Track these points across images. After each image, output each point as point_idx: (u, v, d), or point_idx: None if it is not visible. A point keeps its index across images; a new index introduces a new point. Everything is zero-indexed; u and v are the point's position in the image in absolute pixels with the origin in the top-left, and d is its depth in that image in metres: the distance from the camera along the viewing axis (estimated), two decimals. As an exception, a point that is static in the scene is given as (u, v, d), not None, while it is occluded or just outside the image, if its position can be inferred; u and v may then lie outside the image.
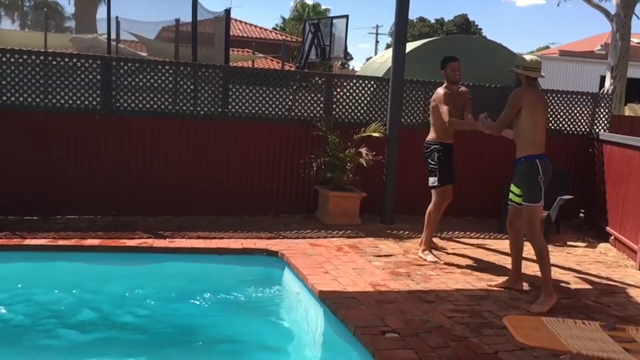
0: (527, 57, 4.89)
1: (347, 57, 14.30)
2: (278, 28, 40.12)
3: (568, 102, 8.28)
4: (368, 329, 3.90)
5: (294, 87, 7.49)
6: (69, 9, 26.74)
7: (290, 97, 7.42)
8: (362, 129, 7.20)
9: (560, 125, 8.28)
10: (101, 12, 22.72)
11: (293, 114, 7.37)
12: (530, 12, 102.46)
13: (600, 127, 8.31)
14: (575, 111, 8.33)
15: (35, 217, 6.43)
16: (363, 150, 7.01)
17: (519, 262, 5.09)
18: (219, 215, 6.96)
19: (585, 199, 8.11)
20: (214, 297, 4.95)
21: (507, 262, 5.92)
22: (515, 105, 4.75)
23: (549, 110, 8.28)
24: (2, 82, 6.38)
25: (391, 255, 5.85)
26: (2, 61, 6.39)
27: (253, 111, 7.18)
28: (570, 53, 26.66)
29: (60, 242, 5.55)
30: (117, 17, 11.72)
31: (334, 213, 6.99)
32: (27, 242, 5.52)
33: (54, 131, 6.55)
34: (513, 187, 4.94)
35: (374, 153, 7.02)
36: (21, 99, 6.42)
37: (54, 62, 6.53)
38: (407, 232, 6.86)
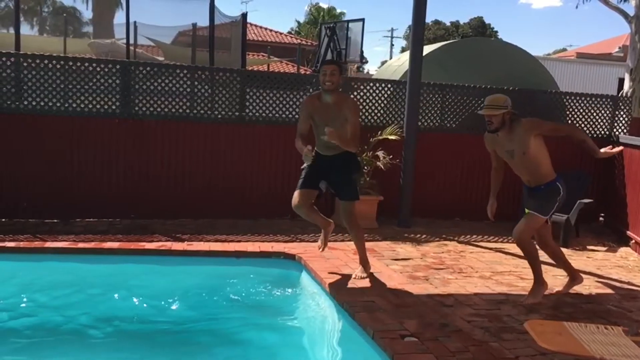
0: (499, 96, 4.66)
1: (363, 60, 14.29)
2: (293, 32, 40.21)
3: (586, 105, 8.20)
4: (387, 332, 3.88)
5: (311, 90, 7.49)
6: (87, 14, 27.03)
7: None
8: (379, 132, 7.19)
9: (579, 128, 8.20)
10: (118, 18, 23.00)
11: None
12: (547, 14, 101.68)
13: (620, 130, 8.22)
14: (594, 114, 8.25)
15: (55, 220, 6.51)
16: (380, 154, 7.00)
17: (563, 261, 4.98)
18: (236, 218, 6.98)
19: (605, 203, 8.01)
20: (232, 300, 4.95)
21: (525, 265, 5.84)
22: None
23: (568, 112, 8.24)
24: (24, 87, 6.47)
25: (409, 259, 5.82)
26: (23, 66, 6.49)
27: (270, 115, 7.21)
28: (587, 55, 26.40)
29: (81, 245, 5.61)
30: (134, 22, 11.84)
31: (351, 216, 6.95)
32: (48, 244, 5.58)
33: (74, 135, 6.63)
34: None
35: (390, 156, 7.00)
36: (42, 104, 6.51)
37: (74, 67, 6.61)
38: (424, 236, 6.83)
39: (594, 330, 3.53)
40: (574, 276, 4.99)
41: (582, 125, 8.18)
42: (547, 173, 4.66)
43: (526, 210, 4.76)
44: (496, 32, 47.75)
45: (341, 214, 5.16)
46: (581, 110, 8.18)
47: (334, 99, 4.75)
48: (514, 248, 6.57)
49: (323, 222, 5.27)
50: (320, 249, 5.38)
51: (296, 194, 4.99)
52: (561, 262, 5.00)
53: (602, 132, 8.24)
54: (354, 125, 4.75)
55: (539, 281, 4.73)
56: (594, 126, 8.23)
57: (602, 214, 8.20)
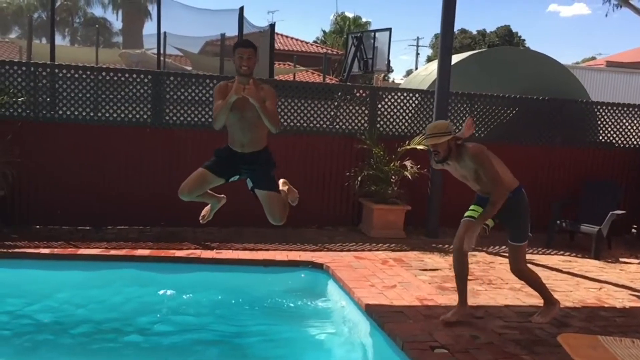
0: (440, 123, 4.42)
1: (390, 69, 14.27)
2: (319, 41, 40.36)
3: (618, 115, 8.08)
4: (416, 343, 3.86)
5: (337, 100, 7.53)
6: (117, 24, 27.64)
7: (334, 110, 7.47)
8: (407, 142, 7.18)
9: (611, 138, 8.08)
10: (147, 28, 23.45)
11: (338, 127, 7.40)
12: (576, 23, 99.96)
13: (653, 140, 8.08)
14: (626, 124, 8.12)
15: (87, 227, 6.63)
16: (407, 163, 6.99)
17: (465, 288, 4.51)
18: (264, 227, 6.98)
19: (638, 214, 7.86)
20: (260, 308, 4.99)
21: (556, 277, 5.79)
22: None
23: (599, 122, 8.13)
24: (58, 97, 6.63)
25: (437, 270, 5.79)
26: (58, 76, 6.64)
27: (298, 124, 7.25)
28: (617, 64, 25.95)
29: (113, 252, 5.71)
30: (164, 33, 12.03)
31: (378, 226, 6.96)
32: (81, 251, 5.69)
33: (106, 143, 6.76)
34: (476, 208, 4.51)
35: (418, 166, 6.98)
36: (76, 113, 6.65)
37: (107, 77, 6.75)
38: (452, 247, 6.77)
39: (629, 345, 3.46)
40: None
41: (614, 135, 8.06)
42: (510, 182, 4.31)
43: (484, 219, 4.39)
44: (523, 40, 47.23)
45: (265, 208, 4.70)
46: (613, 121, 8.06)
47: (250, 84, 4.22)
48: (544, 259, 6.51)
49: (215, 198, 4.88)
50: (203, 219, 4.94)
51: (195, 175, 4.47)
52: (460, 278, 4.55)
53: (635, 143, 8.09)
54: (272, 105, 4.41)
55: (551, 301, 4.52)
56: (625, 136, 8.09)
57: (635, 226, 8.04)
